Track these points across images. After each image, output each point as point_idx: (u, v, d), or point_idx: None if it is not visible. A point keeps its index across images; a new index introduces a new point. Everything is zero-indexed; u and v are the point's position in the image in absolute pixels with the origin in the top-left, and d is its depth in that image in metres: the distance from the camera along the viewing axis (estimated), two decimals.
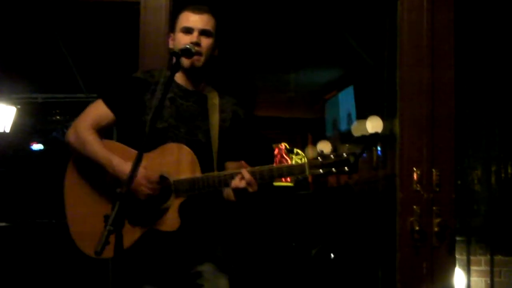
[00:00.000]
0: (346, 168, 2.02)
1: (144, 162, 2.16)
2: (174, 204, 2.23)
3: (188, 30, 2.35)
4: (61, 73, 6.82)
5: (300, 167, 2.09)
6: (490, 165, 4.46)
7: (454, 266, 2.89)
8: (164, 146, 2.29)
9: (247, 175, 2.15)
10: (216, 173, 2.24)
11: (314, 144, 9.28)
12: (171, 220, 2.22)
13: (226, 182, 2.20)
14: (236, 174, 2.18)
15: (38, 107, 8.11)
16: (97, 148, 2.31)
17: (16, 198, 8.00)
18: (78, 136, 2.36)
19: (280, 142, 10.86)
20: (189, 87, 2.42)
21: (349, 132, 7.54)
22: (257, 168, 2.15)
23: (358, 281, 5.81)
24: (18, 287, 5.19)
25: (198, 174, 2.23)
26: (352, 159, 2.02)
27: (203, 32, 2.35)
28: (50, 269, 5.25)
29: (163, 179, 2.25)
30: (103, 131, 2.38)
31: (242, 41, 5.63)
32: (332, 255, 6.35)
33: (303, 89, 8.27)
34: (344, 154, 2.03)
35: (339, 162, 2.03)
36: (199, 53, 2.33)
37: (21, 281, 5.17)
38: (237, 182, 2.16)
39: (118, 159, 2.24)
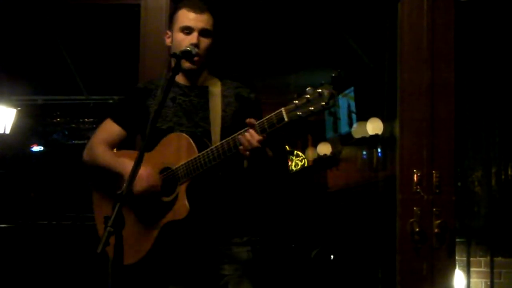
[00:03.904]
0: (323, 103, 1.96)
1: (148, 160, 2.20)
2: (181, 190, 2.23)
3: (188, 30, 2.34)
4: (61, 75, 6.83)
5: (277, 114, 2.04)
6: (490, 166, 4.46)
7: (454, 267, 2.90)
8: (163, 139, 2.31)
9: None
10: (207, 149, 2.21)
11: (314, 146, 9.27)
12: (181, 207, 2.22)
13: (218, 153, 2.17)
14: (222, 143, 2.17)
15: (38, 109, 8.12)
16: (107, 156, 2.37)
17: (17, 199, 8.01)
18: (90, 152, 2.43)
19: None
20: (189, 83, 2.43)
21: (349, 134, 7.53)
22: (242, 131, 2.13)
23: (358, 283, 5.81)
24: (19, 287, 5.20)
25: (195, 155, 2.22)
26: (326, 92, 1.96)
27: (202, 32, 2.34)
28: (50, 270, 5.26)
29: (166, 170, 2.27)
30: (116, 146, 2.44)
31: (242, 43, 5.63)
32: (332, 257, 6.35)
33: (303, 91, 8.25)
34: (318, 90, 1.98)
35: (314, 99, 1.97)
36: (197, 55, 2.31)
37: (22, 281, 5.17)
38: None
39: (128, 161, 2.25)
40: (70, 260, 5.21)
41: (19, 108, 7.37)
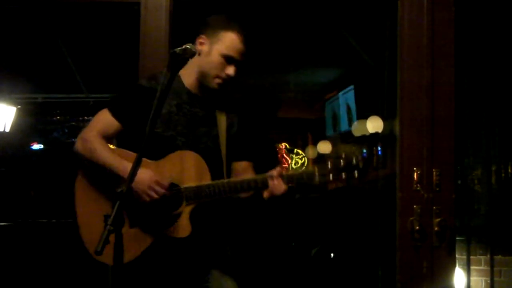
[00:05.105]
0: (356, 173, 1.98)
1: (154, 170, 2.24)
2: (185, 210, 2.23)
3: (230, 60, 2.32)
4: (61, 73, 6.83)
5: (309, 174, 2.07)
6: (490, 164, 4.46)
7: (454, 265, 2.89)
8: (173, 153, 2.29)
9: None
10: (225, 180, 2.24)
11: (315, 144, 9.27)
12: (182, 227, 2.23)
13: (236, 189, 2.22)
14: (243, 181, 2.21)
15: (38, 107, 8.13)
16: (107, 154, 2.31)
17: (17, 197, 8.01)
18: (86, 145, 2.35)
19: (281, 142, 10.85)
20: (197, 92, 2.40)
21: (349, 132, 7.53)
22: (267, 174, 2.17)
23: (358, 281, 5.81)
24: (19, 286, 5.19)
25: (207, 180, 2.23)
26: (361, 165, 1.98)
27: (239, 63, 2.34)
28: (50, 268, 5.26)
29: (173, 186, 2.25)
30: (110, 140, 2.40)
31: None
32: (332, 255, 6.35)
33: (303, 89, 8.26)
34: (354, 160, 1.99)
35: (349, 168, 2.00)
36: (228, 82, 2.33)
37: (21, 280, 5.17)
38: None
39: (127, 163, 2.21)
40: (70, 258, 5.21)
41: (19, 106, 7.38)
